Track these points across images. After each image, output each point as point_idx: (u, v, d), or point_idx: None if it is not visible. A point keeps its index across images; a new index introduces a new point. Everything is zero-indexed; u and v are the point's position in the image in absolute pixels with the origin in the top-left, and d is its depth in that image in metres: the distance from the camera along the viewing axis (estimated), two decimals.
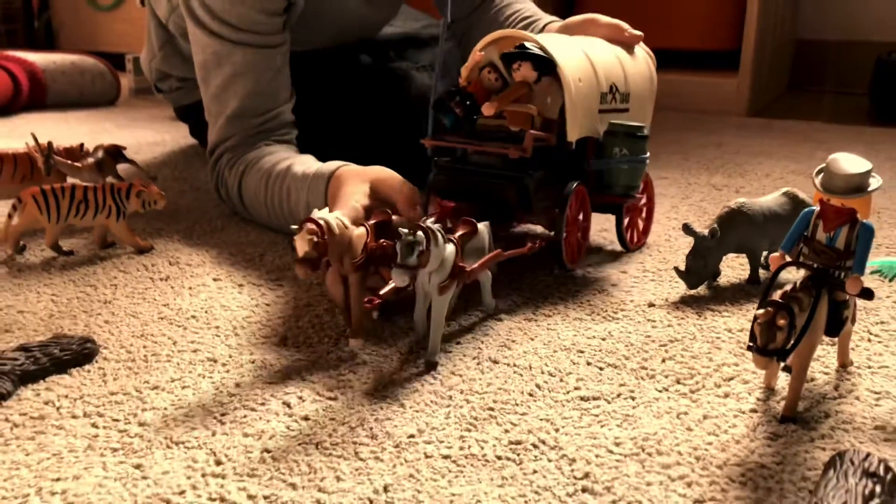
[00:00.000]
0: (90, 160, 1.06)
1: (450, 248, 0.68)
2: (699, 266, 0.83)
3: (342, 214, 0.69)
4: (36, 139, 1.01)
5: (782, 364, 0.65)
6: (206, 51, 1.02)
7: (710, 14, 2.04)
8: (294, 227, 0.67)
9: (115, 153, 1.09)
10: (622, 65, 0.92)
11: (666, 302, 0.82)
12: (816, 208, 0.60)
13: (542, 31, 1.10)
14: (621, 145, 0.87)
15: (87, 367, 0.67)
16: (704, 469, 0.54)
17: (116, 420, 0.59)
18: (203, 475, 0.53)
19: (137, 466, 0.54)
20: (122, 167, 1.11)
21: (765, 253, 0.87)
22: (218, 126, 1.04)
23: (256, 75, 1.01)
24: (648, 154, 0.89)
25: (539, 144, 0.82)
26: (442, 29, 0.87)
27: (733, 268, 0.91)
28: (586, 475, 0.53)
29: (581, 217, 0.88)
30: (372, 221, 0.73)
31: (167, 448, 0.56)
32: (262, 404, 0.61)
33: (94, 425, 0.59)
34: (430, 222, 0.67)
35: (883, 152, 1.55)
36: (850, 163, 0.58)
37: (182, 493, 0.51)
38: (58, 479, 0.52)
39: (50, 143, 1.01)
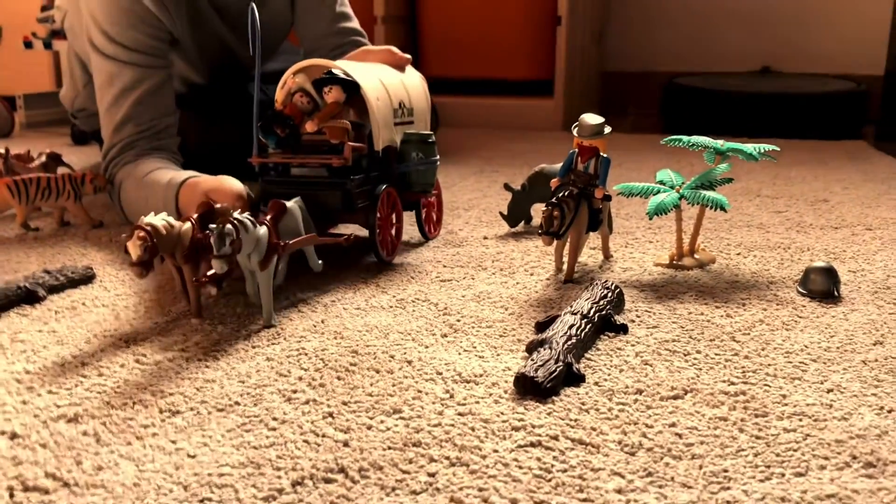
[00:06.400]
0: (37, 162, 1.30)
1: (262, 231, 0.80)
2: (516, 211, 1.19)
3: (167, 216, 0.80)
4: None
5: (565, 269, 1.00)
6: (102, 73, 1.23)
7: (528, 50, 2.47)
8: (123, 235, 0.76)
9: (56, 157, 1.33)
10: (405, 86, 1.10)
11: (495, 237, 1.17)
12: (576, 150, 0.97)
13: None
14: (416, 150, 1.05)
15: (90, 285, 0.94)
16: (516, 303, 0.88)
17: (127, 307, 0.87)
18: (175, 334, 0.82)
19: (155, 323, 0.82)
20: (60, 169, 1.35)
21: None
22: (107, 136, 1.23)
23: (141, 90, 1.20)
24: (438, 157, 1.08)
25: (355, 154, 0.97)
26: (257, 62, 0.99)
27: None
28: (445, 308, 0.86)
29: (394, 215, 1.04)
30: (195, 215, 0.83)
31: (161, 317, 0.84)
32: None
33: (114, 310, 0.86)
34: (238, 214, 0.78)
35: (663, 148, 1.99)
36: (592, 118, 0.95)
37: (159, 333, 0.80)
38: (104, 330, 0.80)
39: (7, 149, 1.25)
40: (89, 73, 1.53)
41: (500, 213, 1.20)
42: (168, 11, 1.22)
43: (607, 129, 0.96)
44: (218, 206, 0.87)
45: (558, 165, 1.22)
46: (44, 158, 1.32)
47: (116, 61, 1.21)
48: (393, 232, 1.04)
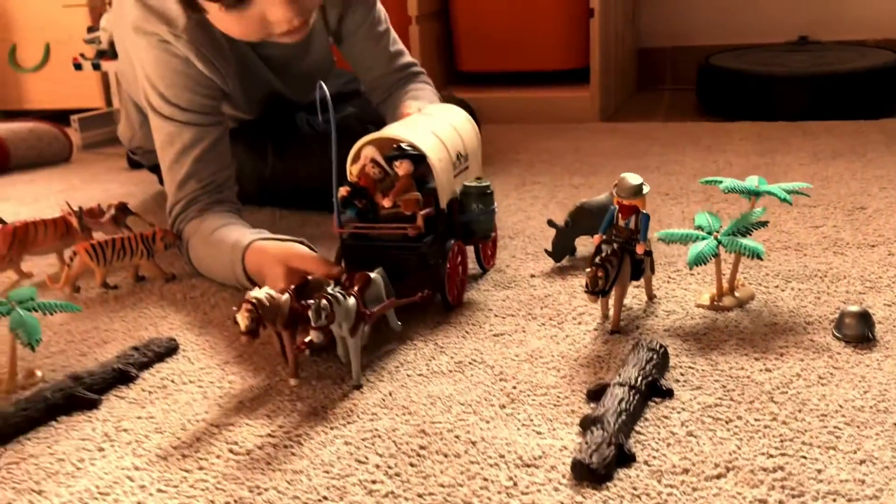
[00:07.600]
0: (108, 216, 1.39)
1: (351, 301, 0.91)
2: (560, 246, 1.25)
3: (269, 289, 0.90)
4: (70, 205, 1.34)
5: (611, 319, 1.06)
6: (162, 133, 1.31)
7: (562, 39, 2.48)
8: (234, 308, 0.88)
9: (123, 208, 1.42)
10: (457, 132, 1.17)
11: (542, 273, 1.24)
12: (617, 207, 1.02)
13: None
14: (476, 202, 1.14)
15: (175, 357, 1.03)
16: (567, 362, 0.95)
17: (212, 382, 0.96)
18: (276, 401, 0.90)
19: (240, 402, 0.90)
20: (129, 220, 1.44)
21: None
22: (171, 192, 1.32)
23: (200, 148, 1.28)
24: (496, 205, 1.17)
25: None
26: (333, 144, 1.02)
27: (585, 246, 1.33)
28: (501, 373, 0.93)
29: (460, 264, 1.13)
30: (292, 287, 0.96)
31: (244, 393, 0.93)
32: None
33: (201, 387, 0.95)
34: (331, 288, 0.91)
35: (702, 141, 2.02)
36: (632, 178, 1.01)
37: (245, 414, 0.88)
38: (196, 413, 0.89)
39: (80, 208, 1.34)
40: (144, 114, 1.61)
41: (545, 251, 1.26)
42: (219, 72, 1.29)
43: (646, 189, 1.01)
44: (311, 278, 1.01)
45: (600, 198, 1.27)
46: (113, 211, 1.40)
47: (175, 122, 1.29)
48: (458, 283, 1.14)
